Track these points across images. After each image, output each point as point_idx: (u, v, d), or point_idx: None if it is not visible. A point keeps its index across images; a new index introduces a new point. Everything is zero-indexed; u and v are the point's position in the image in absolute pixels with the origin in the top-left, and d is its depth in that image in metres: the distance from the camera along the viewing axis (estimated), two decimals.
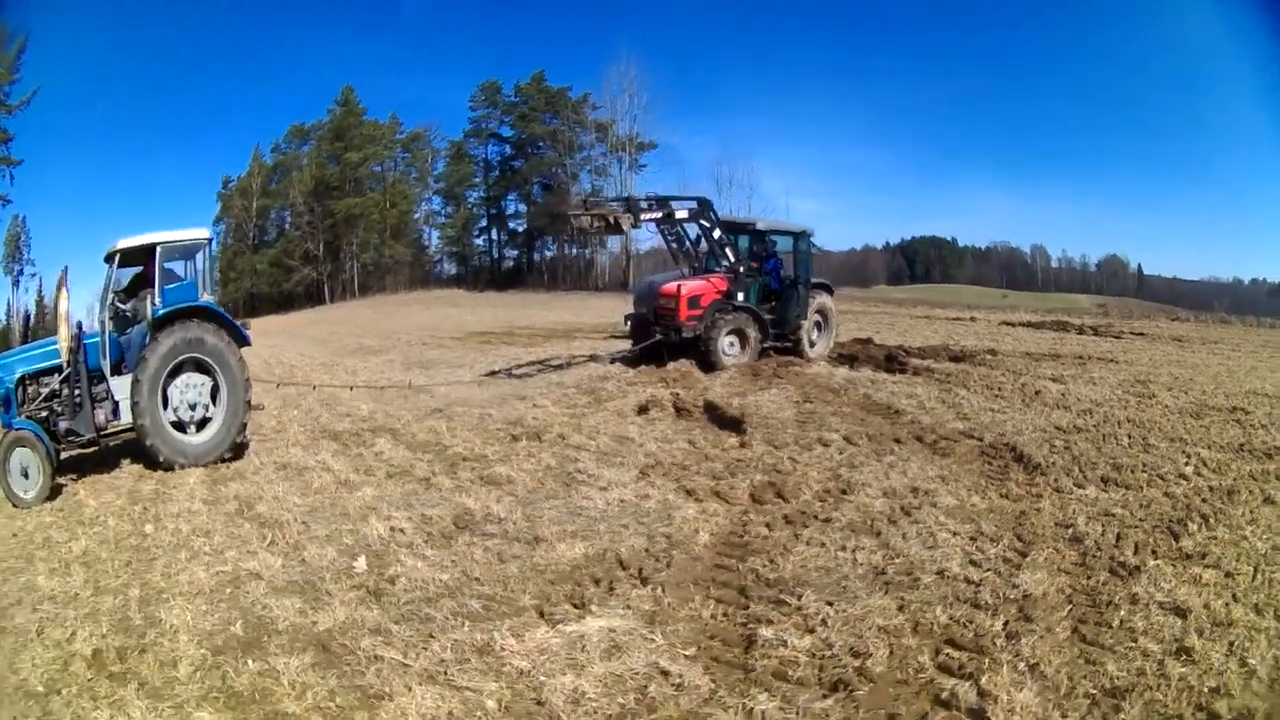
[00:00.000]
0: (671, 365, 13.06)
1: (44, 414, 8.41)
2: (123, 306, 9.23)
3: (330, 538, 5.59)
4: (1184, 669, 3.21)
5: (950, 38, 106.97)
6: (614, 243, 69.25)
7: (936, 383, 11.18)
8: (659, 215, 13.87)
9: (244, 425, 9.21)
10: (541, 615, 4.13)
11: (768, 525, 5.26)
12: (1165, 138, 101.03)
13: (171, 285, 8.95)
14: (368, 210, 75.71)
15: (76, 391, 8.36)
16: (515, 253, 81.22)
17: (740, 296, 13.84)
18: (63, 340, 8.41)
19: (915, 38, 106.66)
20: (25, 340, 64.72)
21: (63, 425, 8.30)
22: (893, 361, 13.61)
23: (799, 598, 4.01)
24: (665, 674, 3.37)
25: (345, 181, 76.31)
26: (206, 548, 5.57)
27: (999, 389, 10.48)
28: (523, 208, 78.79)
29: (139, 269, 9.51)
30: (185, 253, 9.51)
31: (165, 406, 8.66)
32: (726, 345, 13.28)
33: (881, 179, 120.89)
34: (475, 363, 17.65)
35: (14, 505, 7.52)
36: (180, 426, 8.79)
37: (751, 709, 3.07)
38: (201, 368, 8.99)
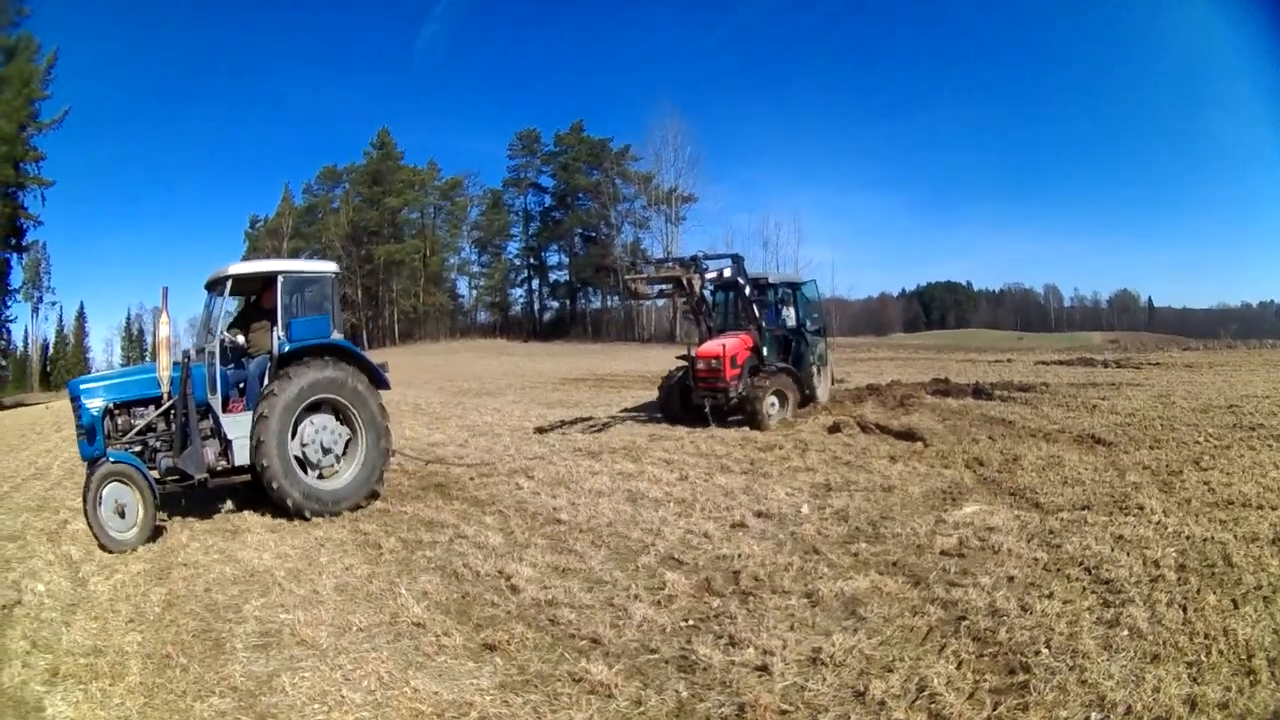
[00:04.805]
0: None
1: (137, 449, 7.80)
2: (230, 338, 8.50)
3: (747, 504, 8.08)
4: (1214, 492, 7.62)
5: (958, 79, 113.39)
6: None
7: (1023, 405, 15.24)
8: (715, 274, 13.86)
9: (383, 471, 8.97)
10: (940, 509, 7.64)
11: (995, 474, 9.34)
12: (1175, 167, 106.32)
13: (300, 319, 8.45)
14: (408, 257, 75.83)
15: (184, 426, 7.66)
16: (557, 304, 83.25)
17: (765, 351, 14.29)
18: (163, 369, 7.81)
19: (924, 81, 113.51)
20: (45, 370, 63.29)
21: (164, 463, 7.72)
22: (980, 393, 17.33)
23: (1048, 490, 8.28)
24: (1020, 517, 7.33)
25: (383, 226, 76.32)
26: (672, 512, 7.89)
27: (1067, 405, 14.69)
28: (564, 259, 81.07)
29: (235, 299, 9.06)
30: (308, 285, 8.94)
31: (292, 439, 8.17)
32: (769, 406, 13.74)
33: (895, 224, 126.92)
34: (612, 403, 19.96)
35: (104, 549, 7.05)
36: (303, 470, 8.32)
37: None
38: (333, 409, 8.55)
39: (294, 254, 68.12)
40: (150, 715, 4.11)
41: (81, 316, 77.97)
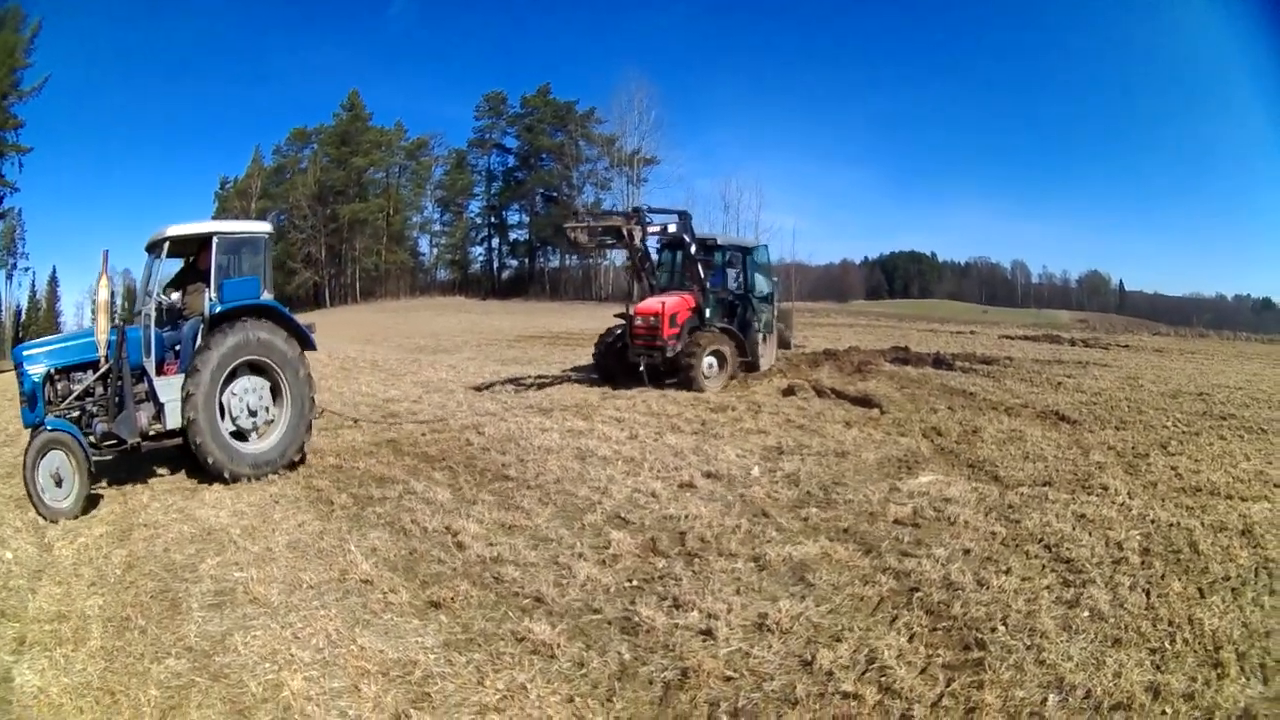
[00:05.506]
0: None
1: (75, 414, 7.66)
2: (167, 300, 8.35)
3: (696, 465, 7.98)
4: (1181, 477, 7.44)
5: (931, 51, 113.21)
6: (618, 252, 71.33)
7: (985, 377, 15.11)
8: (659, 229, 13.67)
9: (308, 433, 8.79)
10: (895, 477, 7.50)
11: (953, 444, 9.12)
12: (1152, 152, 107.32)
13: (231, 280, 8.30)
14: (372, 216, 75.72)
15: (119, 390, 7.61)
16: (516, 262, 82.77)
17: (707, 312, 13.93)
18: (101, 333, 7.63)
19: (897, 51, 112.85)
20: (17, 336, 62.52)
21: (100, 428, 7.59)
22: (941, 363, 17.16)
23: (1008, 464, 8.03)
24: (978, 489, 7.09)
25: (349, 186, 76.21)
26: (620, 471, 7.79)
27: (1031, 381, 14.58)
28: (525, 218, 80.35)
29: (179, 260, 8.88)
30: (243, 246, 8.78)
31: (222, 413, 8.03)
32: (706, 366, 13.30)
33: (860, 193, 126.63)
34: (566, 360, 19.71)
35: (43, 517, 6.88)
36: (237, 434, 8.24)
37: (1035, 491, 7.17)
38: (260, 370, 8.43)
39: (261, 214, 66.92)
40: (110, 679, 4.05)
41: (54, 281, 75.67)
